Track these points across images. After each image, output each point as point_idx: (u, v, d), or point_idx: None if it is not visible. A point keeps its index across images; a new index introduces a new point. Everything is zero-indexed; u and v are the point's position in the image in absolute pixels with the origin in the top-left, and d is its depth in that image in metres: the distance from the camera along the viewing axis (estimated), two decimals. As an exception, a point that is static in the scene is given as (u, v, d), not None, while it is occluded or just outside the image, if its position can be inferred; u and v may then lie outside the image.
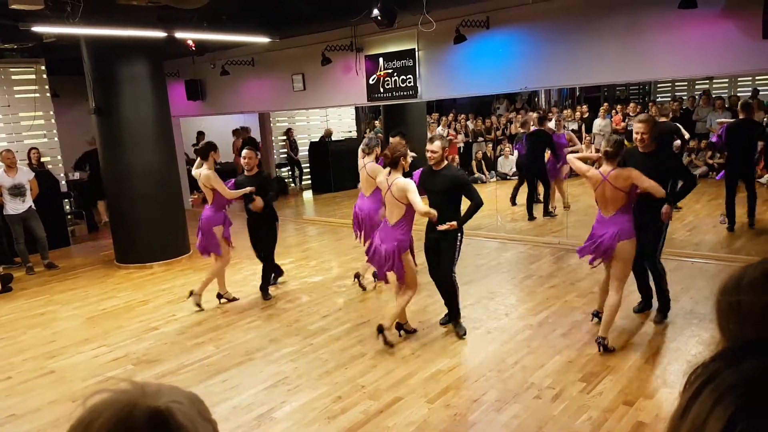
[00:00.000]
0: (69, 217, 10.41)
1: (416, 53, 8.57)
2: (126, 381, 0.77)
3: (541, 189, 9.72)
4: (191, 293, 6.15)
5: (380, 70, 9.02)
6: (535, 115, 10.39)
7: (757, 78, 14.44)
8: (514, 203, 10.36)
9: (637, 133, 4.83)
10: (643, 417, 3.61)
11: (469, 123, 14.88)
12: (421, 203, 4.58)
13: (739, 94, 14.25)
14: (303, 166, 15.15)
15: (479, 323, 5.30)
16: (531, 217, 9.47)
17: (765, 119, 9.79)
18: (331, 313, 5.83)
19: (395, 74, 8.85)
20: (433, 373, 4.39)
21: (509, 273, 6.89)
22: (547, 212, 9.55)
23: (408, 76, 8.71)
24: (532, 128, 9.34)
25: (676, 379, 4.06)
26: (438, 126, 14.14)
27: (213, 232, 6.04)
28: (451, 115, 15.05)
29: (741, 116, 7.69)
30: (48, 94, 10.19)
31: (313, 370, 4.56)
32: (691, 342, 4.64)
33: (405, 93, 8.83)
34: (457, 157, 14.21)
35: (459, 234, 4.87)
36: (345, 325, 5.47)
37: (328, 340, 5.15)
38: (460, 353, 4.71)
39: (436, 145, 4.79)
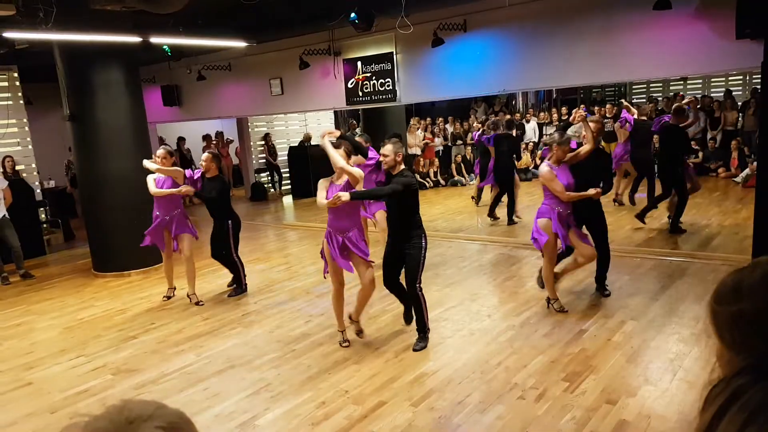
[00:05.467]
0: (44, 225, 10.23)
1: (394, 57, 8.58)
2: (104, 412, 0.72)
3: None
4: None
5: (359, 74, 9.01)
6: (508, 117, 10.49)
7: (729, 78, 14.72)
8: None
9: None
10: (626, 415, 3.63)
11: (448, 126, 14.94)
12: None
13: (712, 95, 14.52)
14: (282, 171, 15.09)
15: (462, 325, 5.31)
16: (494, 217, 9.46)
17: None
18: (313, 318, 5.79)
19: (374, 78, 8.85)
20: (417, 376, 4.38)
21: (491, 274, 6.91)
22: (510, 219, 9.34)
23: (387, 80, 8.72)
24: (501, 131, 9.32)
25: (658, 376, 4.11)
26: (417, 129, 14.16)
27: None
28: (428, 118, 15.07)
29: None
30: (21, 102, 10.00)
31: (295, 376, 4.52)
32: (672, 340, 4.69)
33: (384, 96, 8.84)
34: (436, 160, 14.26)
35: (424, 242, 4.79)
36: (327, 330, 5.43)
37: (311, 345, 5.11)
38: (444, 356, 4.70)
39: (388, 149, 4.75)
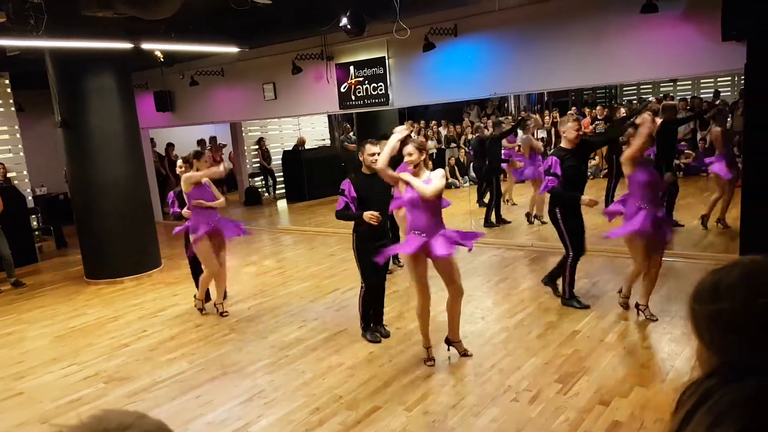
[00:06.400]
0: (36, 233, 10.18)
1: (386, 61, 8.61)
2: (82, 422, 0.71)
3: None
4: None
5: (351, 78, 9.03)
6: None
7: (718, 80, 14.83)
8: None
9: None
10: (619, 416, 3.64)
11: (441, 129, 14.97)
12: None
13: (701, 96, 14.63)
14: (276, 175, 15.08)
15: (456, 328, 5.31)
16: (504, 221, 9.46)
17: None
18: (307, 322, 5.78)
19: (366, 82, 8.87)
20: (411, 380, 4.38)
21: (485, 276, 6.92)
22: (489, 221, 9.32)
23: (379, 84, 8.73)
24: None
25: (650, 377, 4.12)
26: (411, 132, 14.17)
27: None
28: (422, 121, 15.11)
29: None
30: (13, 108, 9.98)
31: (289, 382, 4.51)
32: (664, 340, 4.72)
33: (376, 101, 8.85)
34: (430, 163, 14.27)
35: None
36: (322, 334, 5.42)
37: (305, 350, 5.10)
38: (437, 358, 4.70)
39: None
